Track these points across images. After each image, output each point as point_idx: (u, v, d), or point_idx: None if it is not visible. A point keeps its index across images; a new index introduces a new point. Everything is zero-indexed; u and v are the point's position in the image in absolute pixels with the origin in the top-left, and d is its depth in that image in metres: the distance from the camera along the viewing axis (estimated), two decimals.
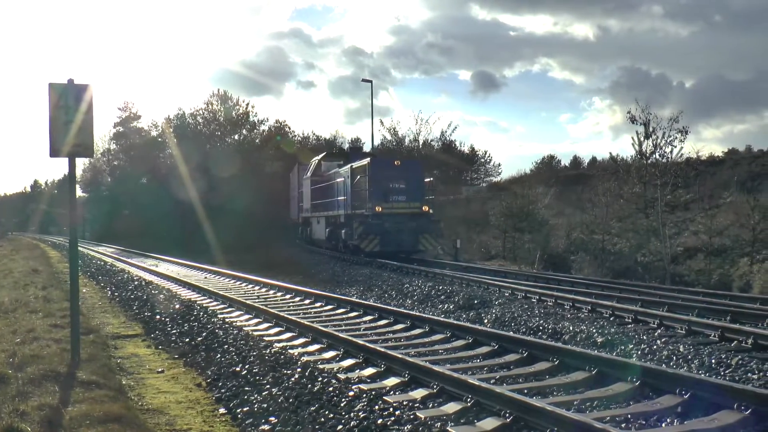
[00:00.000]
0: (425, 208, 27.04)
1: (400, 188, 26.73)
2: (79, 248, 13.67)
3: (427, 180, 28.92)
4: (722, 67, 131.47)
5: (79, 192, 72.51)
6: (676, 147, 26.48)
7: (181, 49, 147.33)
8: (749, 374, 7.77)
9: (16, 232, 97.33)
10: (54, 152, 8.85)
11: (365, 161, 28.00)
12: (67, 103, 8.81)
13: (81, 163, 64.06)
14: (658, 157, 27.48)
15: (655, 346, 9.30)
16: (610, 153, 45.10)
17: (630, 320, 11.38)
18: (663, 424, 6.02)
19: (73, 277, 9.37)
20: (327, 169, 34.40)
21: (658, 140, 27.04)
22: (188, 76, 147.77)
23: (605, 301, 12.84)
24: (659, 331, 10.47)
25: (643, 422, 6.09)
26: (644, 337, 9.89)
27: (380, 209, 26.14)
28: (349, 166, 29.38)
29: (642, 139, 27.74)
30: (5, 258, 33.57)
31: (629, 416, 6.19)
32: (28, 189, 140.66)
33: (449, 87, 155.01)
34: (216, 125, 58.43)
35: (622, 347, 9.46)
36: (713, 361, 8.41)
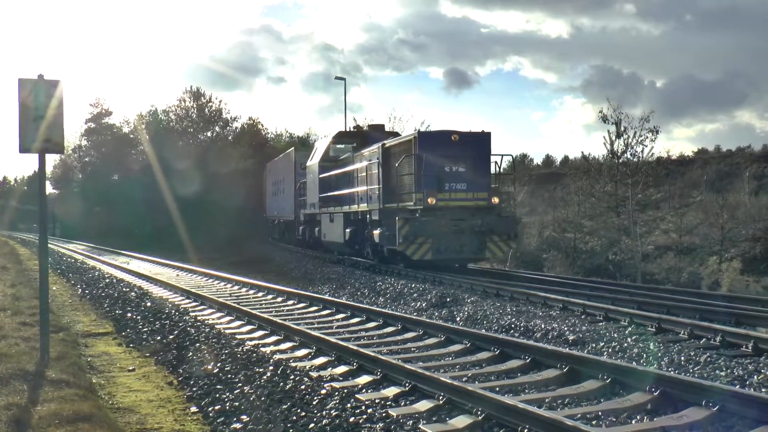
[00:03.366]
0: (495, 200, 20.03)
1: (459, 173, 19.37)
2: (49, 245, 13.51)
3: (495, 159, 20.68)
4: (693, 67, 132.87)
5: (49, 189, 72.11)
6: (647, 146, 26.76)
7: (153, 44, 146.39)
8: (717, 371, 7.85)
9: None
10: (23, 148, 8.74)
11: (409, 136, 20.37)
12: (37, 99, 8.70)
13: (51, 159, 63.57)
14: (629, 156, 27.74)
15: (625, 344, 9.37)
16: (582, 152, 45.40)
17: (601, 318, 11.45)
18: (633, 421, 6.07)
19: (42, 274, 9.27)
20: (339, 153, 27.41)
21: (629, 139, 27.30)
22: (160, 72, 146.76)
23: (576, 299, 12.91)
24: (630, 329, 10.55)
25: (614, 419, 6.13)
26: (615, 335, 9.96)
27: (433, 201, 18.83)
28: (378, 145, 21.84)
29: (613, 138, 27.99)
30: None
31: (600, 413, 6.23)
32: None
33: (421, 84, 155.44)
34: (189, 122, 58.15)
35: (593, 345, 9.52)
36: (682, 358, 8.49)
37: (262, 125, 62.30)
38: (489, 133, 20.20)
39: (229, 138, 57.90)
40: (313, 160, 28.23)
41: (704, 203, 27.81)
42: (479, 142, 19.98)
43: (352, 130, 28.21)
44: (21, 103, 8.68)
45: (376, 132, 26.07)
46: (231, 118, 59.65)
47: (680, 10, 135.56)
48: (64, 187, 74.90)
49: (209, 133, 58.41)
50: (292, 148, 34.88)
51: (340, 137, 28.25)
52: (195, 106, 58.37)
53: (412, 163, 19.29)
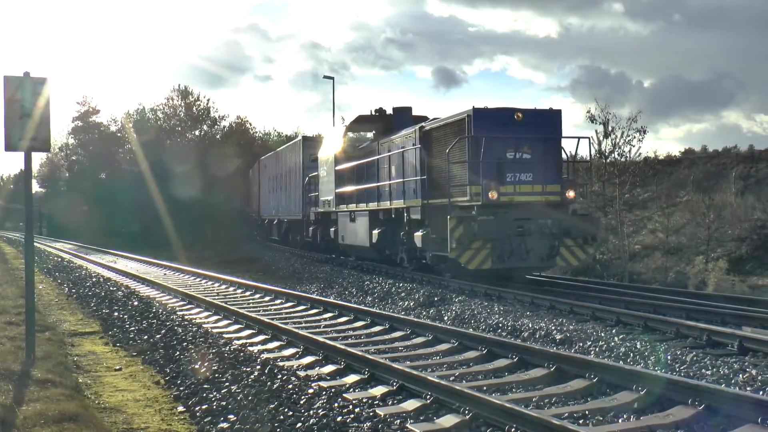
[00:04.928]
0: (570, 193, 15.76)
1: (523, 160, 15.54)
2: (36, 244, 13.44)
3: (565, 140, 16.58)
4: (680, 67, 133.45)
5: (36, 187, 71.77)
6: (634, 146, 26.79)
7: (141, 42, 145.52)
8: (703, 370, 7.89)
9: None
10: (9, 146, 8.71)
11: (459, 114, 16.10)
12: (24, 97, 8.67)
13: (38, 157, 63.12)
14: (616, 156, 27.78)
15: (612, 343, 9.40)
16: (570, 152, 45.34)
17: (588, 317, 11.48)
18: (620, 420, 6.10)
19: (28, 273, 9.23)
20: (359, 141, 23.40)
21: (617, 139, 27.35)
22: (148, 70, 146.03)
23: (564, 298, 12.93)
24: (617, 328, 10.59)
25: (601, 418, 6.15)
26: (602, 334, 9.99)
27: (495, 196, 14.89)
28: (414, 128, 18.14)
29: (601, 138, 28.03)
30: None
31: (587, 412, 6.25)
32: None
33: (409, 83, 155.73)
34: (177, 120, 57.92)
35: (581, 344, 9.55)
36: (669, 357, 8.53)
37: (250, 124, 62.04)
38: (559, 111, 16.24)
39: (217, 137, 57.67)
40: (327, 150, 24.19)
41: (691, 203, 27.87)
42: (548, 121, 16.06)
43: (373, 113, 23.10)
44: (7, 100, 8.64)
45: (403, 115, 21.64)
46: (219, 116, 59.40)
47: (668, 9, 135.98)
48: (50, 185, 74.45)
49: (197, 132, 58.12)
50: (300, 137, 30.40)
51: (360, 122, 23.59)
52: (183, 104, 58.08)
53: (465, 147, 15.44)
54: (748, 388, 7.04)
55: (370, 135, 23.23)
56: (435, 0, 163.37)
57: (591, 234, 15.85)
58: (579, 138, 16.37)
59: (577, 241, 15.54)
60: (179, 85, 59.57)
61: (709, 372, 7.81)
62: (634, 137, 26.04)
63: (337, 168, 22.75)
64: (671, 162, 38.42)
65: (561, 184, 15.73)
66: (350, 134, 23.50)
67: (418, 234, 16.78)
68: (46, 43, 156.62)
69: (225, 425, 6.48)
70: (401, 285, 16.48)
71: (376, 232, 19.81)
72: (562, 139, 16.21)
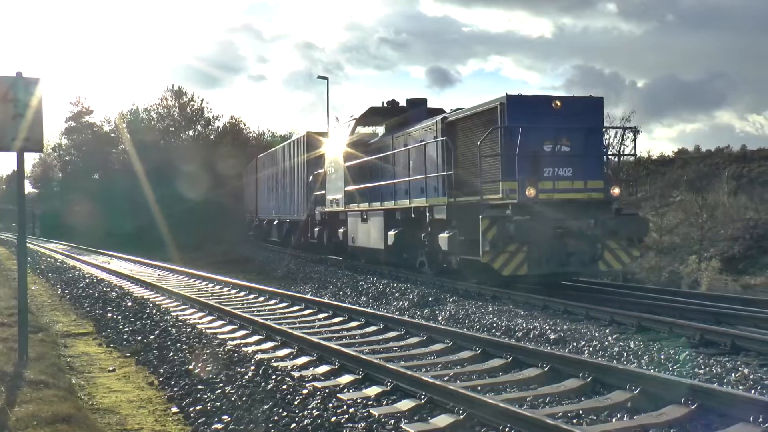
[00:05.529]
0: (615, 191, 14.37)
1: (562, 153, 13.83)
2: (28, 245, 13.37)
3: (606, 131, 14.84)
4: (674, 67, 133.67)
5: (28, 188, 71.53)
6: (627, 146, 26.83)
7: (134, 41, 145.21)
8: (696, 369, 7.92)
9: None
10: (2, 147, 8.67)
11: (491, 103, 14.29)
12: (16, 97, 8.62)
13: (31, 158, 62.88)
14: (610, 156, 27.85)
15: (606, 343, 9.42)
16: None
17: (582, 317, 11.49)
18: (613, 419, 6.11)
19: (21, 274, 9.18)
20: (370, 136, 21.82)
21: (610, 140, 27.40)
22: (142, 70, 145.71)
23: (558, 299, 12.91)
24: (611, 327, 10.60)
25: (594, 417, 6.17)
26: (596, 334, 10.01)
27: (533, 193, 13.25)
28: (435, 120, 16.35)
29: None
30: None
31: (581, 412, 6.27)
32: None
33: (403, 83, 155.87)
34: (171, 121, 57.90)
35: (575, 344, 9.56)
36: (662, 356, 8.55)
37: (244, 124, 62.13)
38: (601, 98, 14.57)
39: (211, 137, 57.64)
40: (335, 146, 22.40)
41: (684, 203, 27.93)
42: (589, 109, 14.30)
43: (385, 105, 21.58)
44: None
45: (417, 108, 20.30)
46: (213, 117, 59.55)
47: (662, 10, 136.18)
48: (43, 186, 74.38)
49: (191, 132, 58.18)
50: (305, 132, 28.35)
51: (371, 115, 21.76)
52: (177, 104, 58.25)
53: (497, 139, 13.69)
54: (741, 387, 7.06)
55: (381, 129, 21.68)
56: (429, 0, 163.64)
57: (640, 235, 14.52)
58: (625, 129, 15.37)
59: (621, 243, 13.95)
60: (173, 86, 59.80)
61: (701, 371, 7.84)
62: (628, 137, 26.10)
63: (347, 164, 21.01)
64: (664, 162, 38.51)
65: (604, 180, 14.40)
66: (360, 129, 22.00)
67: (444, 236, 14.97)
68: (39, 43, 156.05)
69: (219, 426, 6.46)
70: (395, 285, 16.47)
71: (392, 233, 18.01)
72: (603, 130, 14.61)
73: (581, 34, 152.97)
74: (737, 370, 7.72)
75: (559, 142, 13.72)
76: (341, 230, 22.05)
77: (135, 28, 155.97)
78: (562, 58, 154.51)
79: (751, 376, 7.42)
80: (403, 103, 21.22)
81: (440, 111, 18.80)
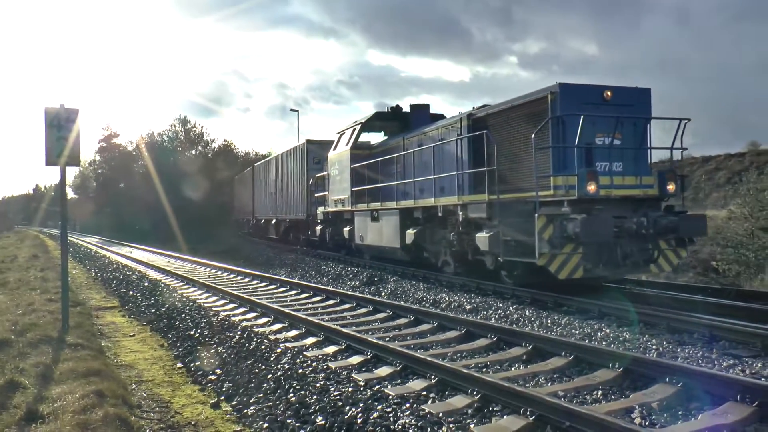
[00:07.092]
0: (671, 186, 10.36)
1: (614, 147, 10.08)
2: (70, 239, 12.96)
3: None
4: None
5: (70, 194, 69.82)
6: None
7: (152, 81, 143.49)
8: (572, 330, 7.95)
9: (22, 226, 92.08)
10: (49, 162, 8.54)
11: (541, 93, 10.27)
12: (60, 123, 8.52)
13: (71, 171, 61.30)
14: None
15: (508, 311, 9.36)
16: None
17: (491, 293, 11.19)
18: (512, 369, 6.24)
19: (63, 261, 9.05)
20: (373, 140, 18.28)
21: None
22: (157, 103, 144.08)
23: (473, 278, 12.75)
24: (512, 300, 10.45)
25: (498, 367, 6.30)
26: (501, 305, 9.92)
27: (594, 189, 9.44)
28: (457, 117, 12.81)
29: None
30: (12, 246, 31.93)
31: (488, 363, 6.40)
32: (31, 191, 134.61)
33: (355, 115, 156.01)
34: (178, 142, 57.35)
35: (485, 312, 9.55)
36: (549, 321, 8.61)
37: (234, 146, 61.45)
38: (649, 89, 10.51)
39: (209, 155, 57.14)
40: (340, 150, 18.22)
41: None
42: (639, 100, 10.36)
43: (389, 111, 17.97)
44: (47, 126, 8.49)
45: (420, 112, 16.80)
46: (210, 139, 59.29)
47: (549, 62, 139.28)
48: (81, 192, 72.85)
49: (193, 152, 57.56)
50: (305, 140, 24.51)
51: (376, 120, 17.70)
52: (183, 130, 57.68)
53: (548, 131, 9.96)
54: (604, 343, 7.17)
55: (388, 132, 17.90)
56: (375, 51, 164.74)
57: (700, 234, 10.64)
58: (680, 119, 10.24)
59: (671, 243, 10.19)
60: (180, 115, 59.04)
61: (577, 332, 7.89)
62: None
63: (353, 166, 17.05)
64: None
65: (656, 175, 10.55)
66: (367, 132, 18.13)
67: (483, 235, 10.90)
68: (79, 80, 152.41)
69: (213, 377, 6.48)
70: (349, 269, 16.43)
71: (411, 232, 14.03)
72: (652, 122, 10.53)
73: (491, 79, 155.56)
74: (601, 330, 7.81)
75: (610, 134, 10.08)
76: (347, 228, 17.95)
77: (152, 71, 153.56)
78: (477, 97, 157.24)
79: (611, 334, 7.50)
80: (414, 105, 17.48)
81: (441, 116, 15.97)
